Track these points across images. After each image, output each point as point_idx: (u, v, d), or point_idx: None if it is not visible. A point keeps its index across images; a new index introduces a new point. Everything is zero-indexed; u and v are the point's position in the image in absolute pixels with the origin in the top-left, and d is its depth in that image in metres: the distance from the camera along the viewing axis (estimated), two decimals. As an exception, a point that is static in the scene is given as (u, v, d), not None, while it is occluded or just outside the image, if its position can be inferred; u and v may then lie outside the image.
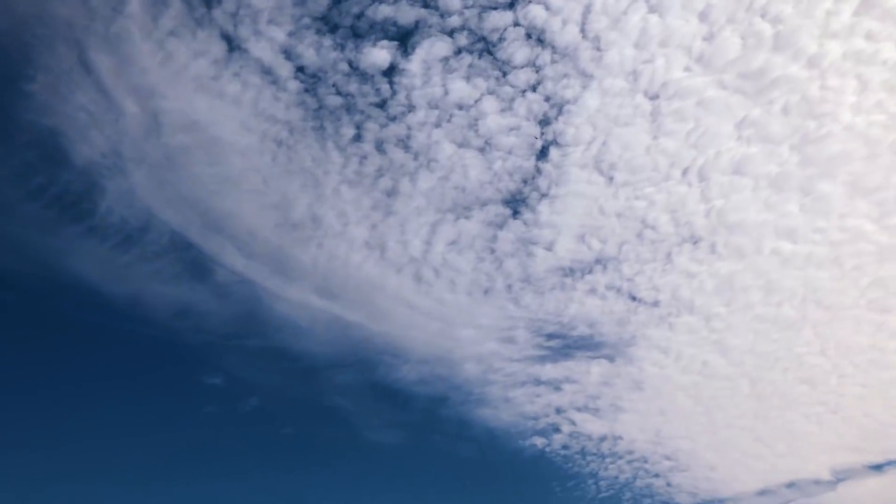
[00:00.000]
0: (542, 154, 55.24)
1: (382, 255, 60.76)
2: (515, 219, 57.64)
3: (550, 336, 58.61)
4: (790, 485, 55.72)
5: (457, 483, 72.95)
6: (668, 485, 57.88)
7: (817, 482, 54.22)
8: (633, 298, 57.98)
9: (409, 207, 58.60)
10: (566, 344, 59.67)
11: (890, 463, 52.47)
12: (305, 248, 60.73)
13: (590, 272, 58.25)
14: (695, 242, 56.04)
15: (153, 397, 64.33)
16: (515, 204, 56.93)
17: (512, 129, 54.24)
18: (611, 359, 59.43)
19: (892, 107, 46.37)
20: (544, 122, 54.55)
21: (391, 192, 58.11)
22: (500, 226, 57.73)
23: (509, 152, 54.92)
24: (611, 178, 54.58)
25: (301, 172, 57.00)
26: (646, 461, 58.41)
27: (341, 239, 60.44)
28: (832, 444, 55.29)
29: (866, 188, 49.53)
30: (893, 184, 48.56)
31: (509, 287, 60.21)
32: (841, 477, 53.75)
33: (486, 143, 54.86)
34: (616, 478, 59.16)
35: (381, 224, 59.79)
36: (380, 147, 56.22)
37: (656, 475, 57.75)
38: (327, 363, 68.48)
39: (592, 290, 58.14)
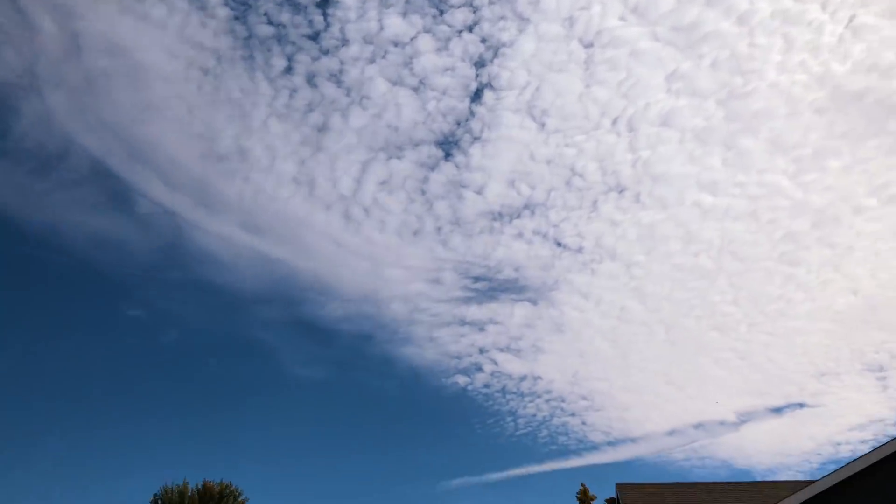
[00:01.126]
0: (477, 96, 55.20)
1: (311, 192, 60.21)
2: (447, 161, 57.74)
3: (477, 278, 59.53)
4: (697, 425, 58.44)
5: (380, 419, 74.04)
6: (584, 423, 60.03)
7: (723, 423, 56.96)
8: (559, 244, 59.21)
9: (340, 144, 57.96)
10: (492, 286, 60.71)
11: (790, 406, 55.46)
12: (231, 182, 59.63)
13: (518, 217, 59.10)
14: (620, 192, 57.28)
15: (71, 327, 62.82)
16: (448, 146, 56.97)
17: (447, 70, 53.86)
18: (534, 302, 60.82)
19: (815, 67, 47.85)
20: (479, 64, 54.42)
21: (322, 128, 57.25)
22: (432, 167, 57.80)
23: (444, 93, 54.66)
24: (542, 125, 55.07)
25: (228, 103, 55.49)
26: (563, 401, 60.37)
27: (269, 173, 59.50)
28: (738, 388, 58.08)
29: (785, 145, 51.30)
30: (811, 142, 50.39)
31: (439, 229, 60.66)
32: (744, 419, 56.60)
33: (421, 82, 54.39)
34: (534, 416, 61.06)
35: (310, 160, 59.06)
36: (311, 81, 55.12)
37: (572, 414, 59.81)
38: (251, 298, 68.00)
39: (520, 235, 59.08)
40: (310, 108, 53.43)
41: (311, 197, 57.20)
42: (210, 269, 62.65)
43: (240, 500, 33.77)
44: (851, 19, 43.59)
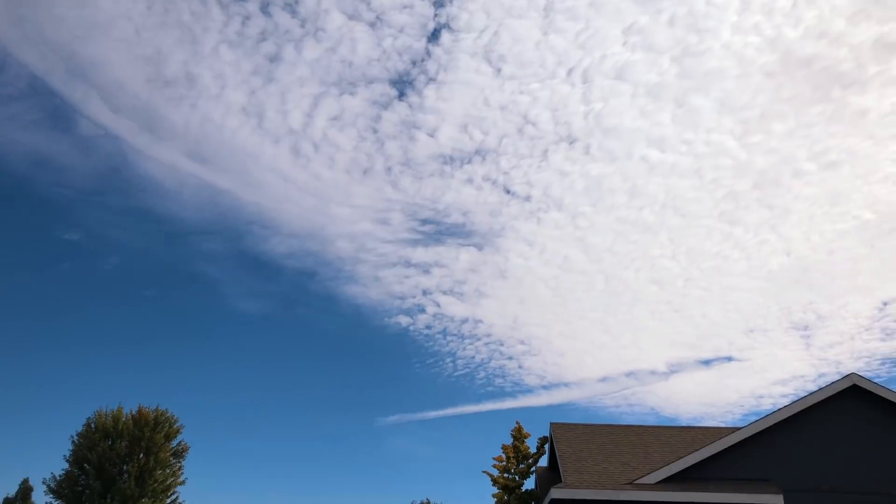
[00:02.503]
0: (434, 37, 54.41)
1: (260, 124, 58.89)
2: (401, 101, 57.04)
3: (425, 221, 59.59)
4: (630, 374, 60.36)
5: (321, 355, 74.32)
6: (520, 367, 61.42)
7: (653, 373, 58.97)
8: (508, 191, 59.51)
9: (292, 76, 56.61)
10: (439, 230, 60.91)
11: (718, 359, 57.64)
12: (178, 108, 57.90)
13: (469, 162, 59.04)
14: (571, 142, 57.66)
15: (3, 247, 61.03)
16: (402, 85, 56.20)
17: (405, 7, 52.81)
18: (480, 247, 61.33)
19: (768, 30, 48.43)
20: (438, 3, 53.48)
21: (274, 59, 55.74)
22: (385, 106, 57.00)
23: (401, 31, 53.68)
24: (499, 70, 54.71)
25: (178, 26, 53.52)
26: (502, 344, 61.55)
27: (217, 102, 57.92)
28: (671, 340, 60.06)
29: (734, 106, 52.12)
30: (759, 104, 51.27)
31: (389, 169, 60.18)
32: (675, 369, 58.68)
33: (378, 18, 53.25)
34: (473, 357, 62.16)
35: (260, 91, 57.61)
36: (265, 9, 53.46)
37: (510, 357, 61.09)
38: (194, 228, 66.79)
39: (470, 180, 59.11)
40: (262, 36, 51.99)
41: (260, 129, 56.11)
42: (153, 196, 61.23)
43: (175, 426, 33.69)
44: (807, -16, 44.16)
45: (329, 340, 73.38)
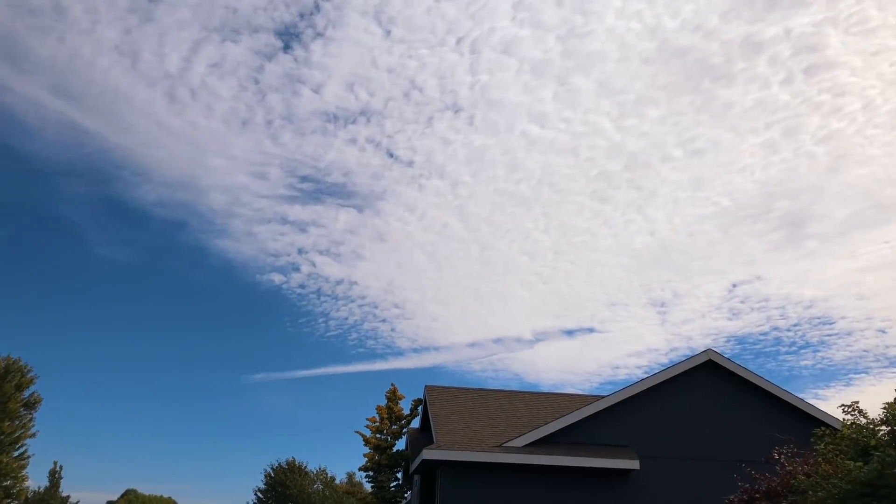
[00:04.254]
0: (326, -10, 53.01)
1: (134, 65, 55.62)
2: (286, 53, 55.36)
3: (304, 178, 58.51)
4: (497, 340, 62.24)
5: (188, 308, 72.01)
6: (393, 330, 61.95)
7: (519, 340, 61.03)
8: (391, 155, 59.28)
9: (172, 18, 53.74)
10: (318, 188, 60.01)
11: (581, 330, 60.29)
12: (43, 40, 53.85)
13: (353, 122, 58.24)
14: (456, 111, 58.01)
15: None
16: (288, 37, 54.51)
17: (297, -45, 51.10)
18: (359, 209, 60.91)
19: (649, 18, 50.24)
20: (333, -44, 52.06)
21: (154, -5, 52.66)
22: (269, 57, 55.13)
23: (291, -21, 51.92)
24: (388, 32, 54.04)
25: (48, -51, 49.55)
26: (376, 307, 61.80)
27: (88, 37, 54.26)
28: (538, 310, 62.19)
29: (612, 89, 53.93)
30: (635, 89, 53.26)
31: (269, 122, 58.43)
32: (540, 338, 60.96)
33: (268, -37, 51.25)
34: (346, 319, 62.10)
35: (136, 30, 54.39)
36: (147, -60, 50.33)
37: (383, 320, 61.49)
38: (57, 169, 62.71)
39: (353, 141, 58.36)
40: (142, -30, 48.96)
41: (134, 70, 53.11)
42: (12, 132, 56.93)
43: (28, 376, 31.90)
44: (688, -21, 45.99)
45: (197, 294, 71.31)
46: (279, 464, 46.79)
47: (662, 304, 57.51)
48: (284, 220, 59.12)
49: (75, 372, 66.69)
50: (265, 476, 46.59)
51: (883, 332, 50.93)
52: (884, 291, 54.60)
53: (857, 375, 55.07)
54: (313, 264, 59.76)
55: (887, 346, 51.58)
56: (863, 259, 52.58)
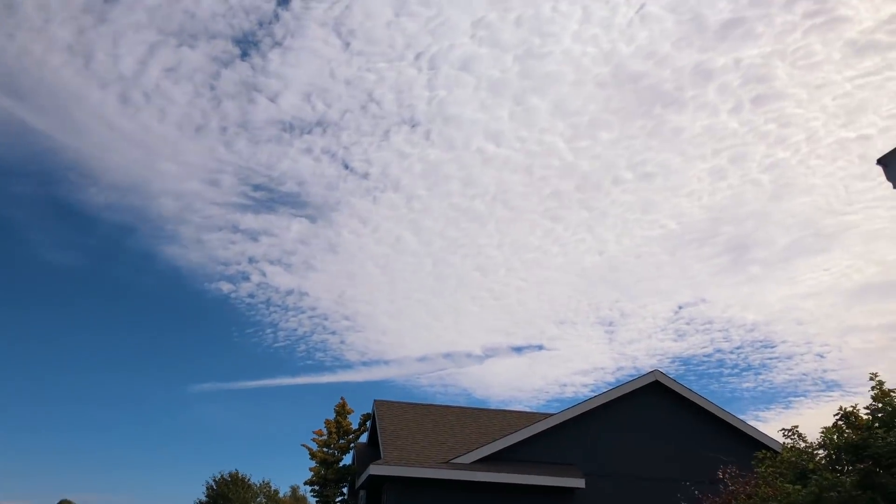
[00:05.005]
0: (284, 0, 52.74)
1: (87, 65, 54.45)
2: (244, 61, 54.72)
3: (257, 187, 57.72)
4: (447, 355, 62.11)
5: (133, 315, 70.40)
6: (342, 342, 61.41)
7: (469, 355, 61.04)
8: (346, 167, 58.94)
9: (128, 20, 52.74)
10: (272, 197, 59.27)
11: (530, 347, 60.53)
12: (-9, 34, 52.37)
13: (309, 132, 57.78)
14: (413, 126, 57.99)
15: None
16: (246, 45, 53.93)
17: (258, -37, 50.76)
18: (312, 219, 60.40)
19: (605, 43, 51.06)
20: (293, -33, 51.82)
21: (109, -2, 51.74)
22: (226, 64, 54.47)
23: (251, -12, 51.54)
24: (348, 44, 53.88)
25: (0, -55, 48.39)
26: (326, 318, 61.20)
27: (40, 35, 52.90)
28: (488, 326, 62.32)
29: (567, 110, 54.63)
30: (589, 112, 54.05)
31: (224, 129, 57.66)
32: (489, 354, 61.05)
33: (229, -30, 50.79)
34: (295, 330, 61.35)
35: (91, 30, 53.28)
36: (104, -59, 49.46)
37: (333, 332, 60.89)
38: (2, 168, 60.96)
39: (308, 150, 57.90)
40: (98, -29, 48.16)
41: (87, 70, 52.04)
42: (-48, 126, 55.24)
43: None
44: (642, 6, 46.99)
45: (143, 301, 69.81)
46: (222, 476, 45.92)
47: (610, 324, 58.15)
48: (236, 229, 58.33)
49: (9, 378, 64.61)
50: (207, 488, 45.63)
51: (821, 356, 52.22)
52: (823, 317, 56.12)
53: (797, 398, 56.28)
54: (263, 274, 59.02)
55: (825, 371, 52.92)
56: (803, 285, 53.93)
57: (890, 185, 5.57)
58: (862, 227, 49.35)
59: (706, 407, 18.28)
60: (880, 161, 4.10)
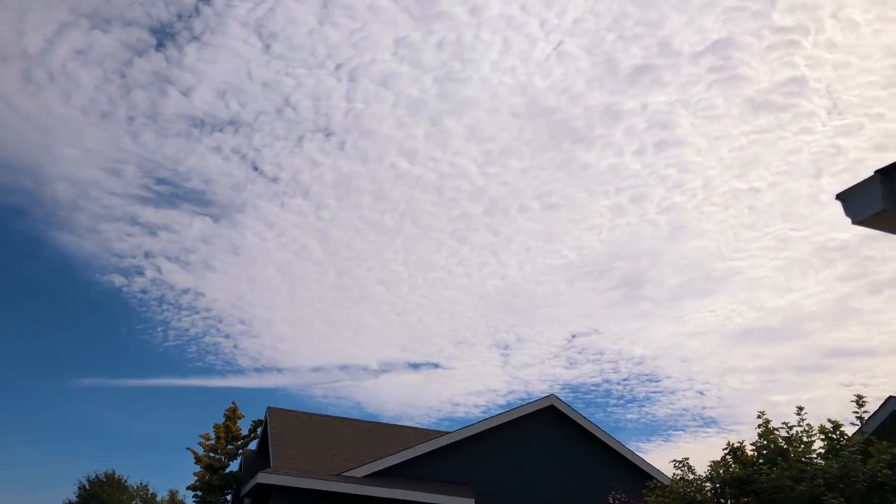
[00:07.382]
0: (208, -4, 51.40)
1: (-12, 35, 51.50)
2: (158, 51, 52.89)
3: (161, 181, 55.63)
4: (343, 367, 61.23)
5: (16, 302, 66.50)
6: (236, 347, 59.66)
7: (365, 369, 60.38)
8: (256, 169, 57.58)
9: (38, -7, 50.27)
10: (175, 193, 57.23)
11: (426, 364, 60.45)
12: None
13: (220, 130, 56.21)
14: (328, 135, 57.28)
15: None
16: (163, 36, 52.13)
17: (180, -45, 49.28)
18: (216, 219, 58.64)
19: (522, 75, 52.07)
20: (217, -36, 50.60)
21: (20, -34, 49.10)
22: (140, 53, 52.48)
23: (173, -22, 49.98)
24: (268, 47, 52.92)
25: None
26: (221, 321, 59.37)
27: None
28: (387, 341, 61.93)
29: (481, 136, 55.32)
30: (502, 139, 54.86)
31: (131, 119, 55.41)
32: (385, 368, 60.57)
33: (150, -43, 49.12)
34: (187, 330, 59.21)
35: (-5, 2, 50.46)
36: None
37: (227, 336, 59.11)
38: None
39: (218, 149, 56.31)
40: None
41: (-13, 41, 49.21)
42: None
43: None
44: (559, 44, 48.12)
45: (27, 288, 65.96)
46: (96, 476, 43.83)
47: (506, 347, 58.81)
48: (134, 221, 55.90)
49: None
50: (79, 488, 43.47)
51: (701, 393, 54.31)
52: (706, 356, 58.37)
53: (676, 432, 58.25)
54: (159, 270, 56.74)
55: (704, 407, 55.05)
56: (689, 324, 56.06)
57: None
58: (746, 274, 51.70)
59: (598, 435, 18.66)
60: (839, 196, 4.31)
